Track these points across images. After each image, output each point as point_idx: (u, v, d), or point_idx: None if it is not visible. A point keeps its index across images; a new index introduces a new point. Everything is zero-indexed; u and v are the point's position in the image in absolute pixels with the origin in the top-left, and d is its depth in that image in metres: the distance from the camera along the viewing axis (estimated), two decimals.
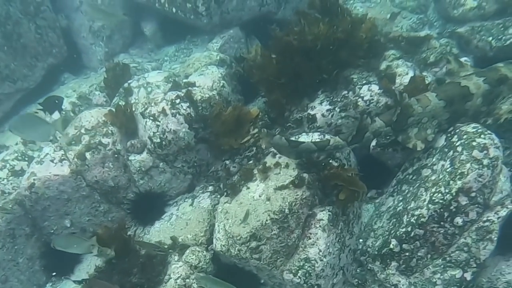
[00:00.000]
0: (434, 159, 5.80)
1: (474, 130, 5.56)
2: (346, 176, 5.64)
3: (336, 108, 6.35)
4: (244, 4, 8.17)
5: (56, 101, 7.08)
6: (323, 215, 5.72)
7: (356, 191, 5.67)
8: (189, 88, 6.79)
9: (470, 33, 7.14)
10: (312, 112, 6.43)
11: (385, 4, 8.48)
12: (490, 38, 6.89)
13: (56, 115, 7.58)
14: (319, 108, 6.42)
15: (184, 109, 6.52)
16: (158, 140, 6.51)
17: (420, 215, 5.48)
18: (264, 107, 6.88)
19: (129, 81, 7.29)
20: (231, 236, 5.75)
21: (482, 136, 5.45)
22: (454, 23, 7.63)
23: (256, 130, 6.68)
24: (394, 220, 5.83)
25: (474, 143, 5.40)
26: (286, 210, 5.57)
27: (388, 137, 6.21)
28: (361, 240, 6.13)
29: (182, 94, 6.62)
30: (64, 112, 7.85)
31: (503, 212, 5.35)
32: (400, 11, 8.24)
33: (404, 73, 6.42)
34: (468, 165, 5.30)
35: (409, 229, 5.56)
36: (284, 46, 6.32)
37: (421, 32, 7.57)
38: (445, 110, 5.80)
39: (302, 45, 6.23)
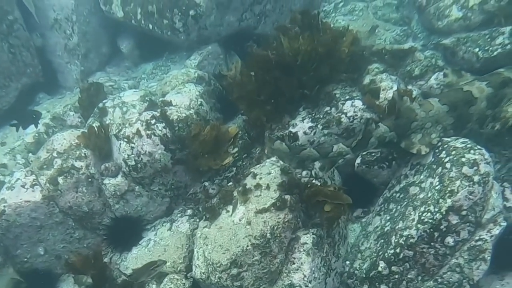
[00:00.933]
0: (422, 176, 5.57)
1: (463, 145, 5.35)
2: (329, 191, 5.44)
3: (319, 125, 6.11)
4: (222, 19, 7.93)
5: (34, 116, 6.91)
6: (307, 238, 5.45)
7: (341, 205, 5.43)
8: (165, 107, 6.53)
9: (455, 45, 6.93)
10: (293, 130, 6.17)
11: (367, 17, 8.29)
12: (477, 49, 6.68)
13: (30, 130, 7.37)
14: (301, 126, 6.17)
15: (159, 130, 6.25)
16: (133, 163, 6.23)
17: (409, 236, 5.24)
18: (244, 125, 6.61)
19: (104, 101, 7.02)
20: (210, 263, 5.46)
21: (472, 151, 5.24)
22: (439, 35, 7.43)
23: (236, 149, 6.44)
24: (382, 240, 5.57)
25: (463, 159, 5.18)
26: (268, 235, 5.30)
27: (373, 154, 6.00)
28: (347, 262, 5.87)
29: (158, 114, 6.37)
30: (37, 134, 7.58)
31: (496, 230, 5.14)
32: (378, 25, 8.01)
33: (388, 87, 6.20)
34: (458, 182, 5.07)
35: (397, 250, 5.32)
36: (262, 62, 6.11)
37: (405, 44, 7.35)
38: (448, 114, 5.69)
39: (281, 60, 6.02)
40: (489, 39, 6.68)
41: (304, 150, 5.62)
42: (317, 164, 5.76)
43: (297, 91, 6.16)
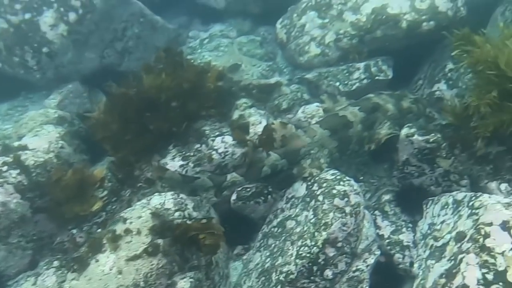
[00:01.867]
0: (297, 210, 5.55)
1: (333, 177, 5.42)
2: (199, 224, 5.26)
3: (190, 163, 5.93)
4: (81, 56, 7.50)
5: None
6: (184, 283, 5.12)
7: (215, 234, 5.24)
8: (20, 152, 5.96)
9: (318, 79, 7.21)
10: None
11: (233, 52, 8.31)
12: (338, 83, 7.01)
13: None
14: (172, 165, 5.94)
15: (13, 177, 5.67)
16: None
17: (289, 272, 5.12)
18: (112, 166, 6.24)
19: None
20: None
21: (342, 183, 5.32)
22: (302, 69, 7.66)
23: (105, 192, 6.04)
24: (263, 278, 5.40)
25: (334, 191, 5.23)
26: (142, 283, 4.93)
27: (248, 189, 5.93)
28: None
29: (10, 160, 5.79)
30: None
31: (371, 260, 5.22)
32: (241, 64, 8.05)
33: (257, 122, 6.25)
34: (331, 214, 5.10)
35: (279, 287, 5.16)
36: (124, 100, 5.88)
37: (272, 79, 7.48)
38: (331, 138, 5.94)
39: (145, 97, 5.85)
40: (347, 74, 7.06)
41: (197, 179, 5.52)
42: (191, 204, 5.53)
43: (165, 128, 5.97)
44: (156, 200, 5.47)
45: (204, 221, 5.34)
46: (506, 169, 5.34)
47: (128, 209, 5.60)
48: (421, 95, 6.93)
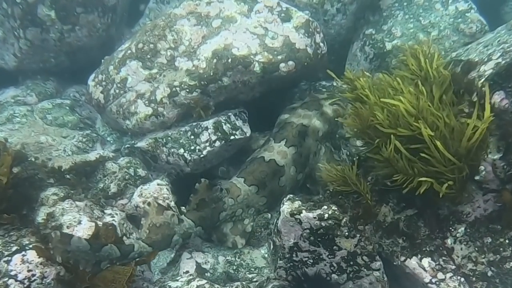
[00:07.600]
0: None
1: None
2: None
3: None
4: None
5: None
6: None
7: None
8: None
9: (154, 147, 5.45)
10: None
11: (36, 123, 6.19)
12: (182, 151, 5.32)
13: None
14: None
15: None
16: None
17: None
18: None
19: None
20: None
21: None
22: (132, 136, 5.85)
23: None
24: None
25: None
26: None
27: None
28: None
29: None
30: None
31: None
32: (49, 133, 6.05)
33: (75, 222, 4.37)
34: None
35: None
36: None
37: (91, 154, 5.53)
38: (259, 195, 5.05)
39: None
40: (192, 137, 5.41)
41: (105, 247, 3.89)
42: None
43: None
44: None
45: None
46: (423, 239, 3.99)
47: None
48: None
